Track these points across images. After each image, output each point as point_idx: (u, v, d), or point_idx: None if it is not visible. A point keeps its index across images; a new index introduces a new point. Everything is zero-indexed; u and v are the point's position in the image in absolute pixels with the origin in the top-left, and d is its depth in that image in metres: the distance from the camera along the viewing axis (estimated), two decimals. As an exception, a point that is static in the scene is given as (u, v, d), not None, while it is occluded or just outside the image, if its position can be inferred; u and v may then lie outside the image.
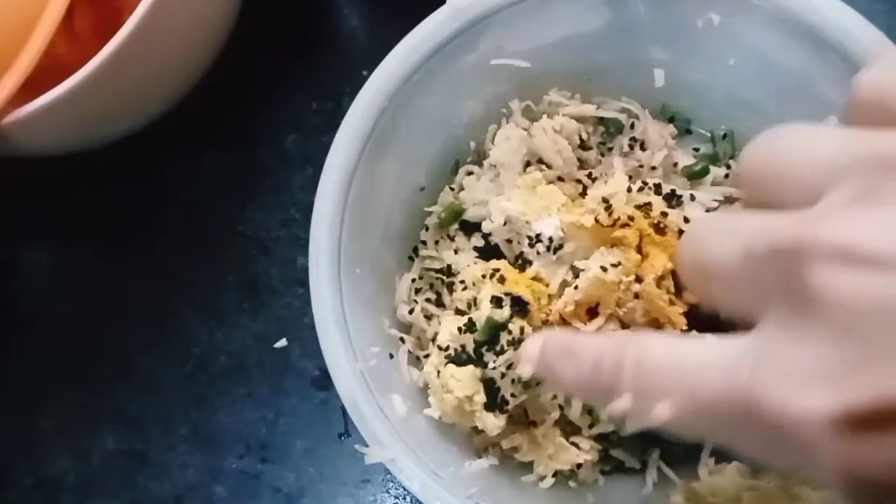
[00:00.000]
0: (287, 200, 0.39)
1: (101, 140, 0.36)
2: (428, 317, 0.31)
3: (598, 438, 0.29)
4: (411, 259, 0.32)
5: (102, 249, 0.40)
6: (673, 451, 0.30)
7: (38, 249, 0.41)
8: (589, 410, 0.29)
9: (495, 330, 0.27)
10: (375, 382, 0.25)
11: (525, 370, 0.22)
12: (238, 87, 0.40)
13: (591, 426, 0.29)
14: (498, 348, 0.27)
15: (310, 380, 0.36)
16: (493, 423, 0.27)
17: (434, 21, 0.27)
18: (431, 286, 0.31)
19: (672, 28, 0.29)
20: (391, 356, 0.28)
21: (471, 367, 0.27)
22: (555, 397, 0.29)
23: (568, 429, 0.29)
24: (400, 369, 0.29)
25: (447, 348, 0.28)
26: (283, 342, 0.36)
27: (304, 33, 0.41)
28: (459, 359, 0.28)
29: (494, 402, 0.27)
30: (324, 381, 0.36)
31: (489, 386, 0.28)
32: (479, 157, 0.33)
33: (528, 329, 0.27)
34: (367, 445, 0.24)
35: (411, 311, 0.30)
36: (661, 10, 0.28)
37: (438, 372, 0.28)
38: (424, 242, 0.32)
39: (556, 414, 0.29)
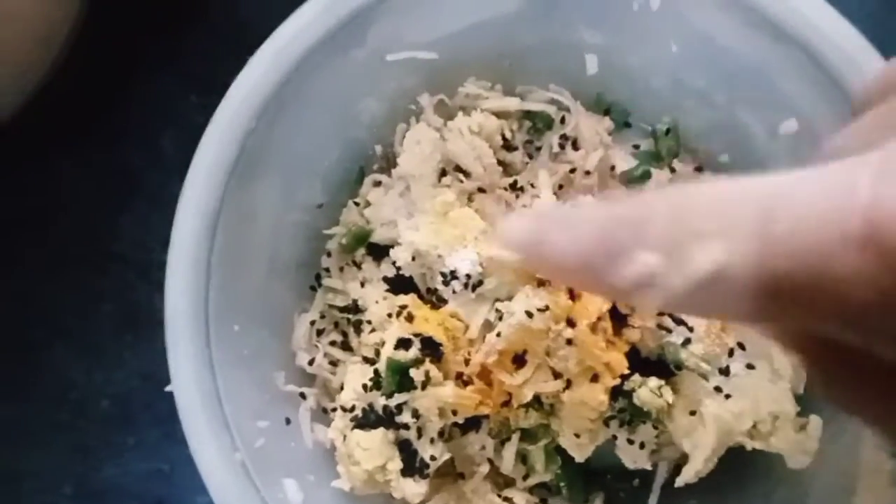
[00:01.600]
0: (167, 213, 0.33)
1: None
2: (333, 362, 0.26)
3: (535, 489, 0.26)
4: (313, 289, 0.28)
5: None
6: (619, 496, 0.26)
7: None
8: (523, 459, 0.25)
9: (400, 376, 0.23)
10: (263, 468, 0.21)
11: (505, 253, 0.15)
12: (98, 76, 0.33)
13: (525, 477, 0.25)
14: (408, 401, 0.23)
15: (207, 426, 0.31)
16: (413, 489, 0.23)
17: (303, 17, 0.21)
18: (336, 325, 0.27)
19: (604, 7, 0.24)
20: (288, 421, 0.24)
21: (381, 431, 0.23)
22: (483, 448, 0.25)
23: (500, 481, 0.26)
24: (302, 435, 0.24)
25: (352, 408, 0.24)
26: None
27: (178, 8, 0.34)
28: (368, 420, 0.23)
29: (413, 466, 0.23)
30: (223, 427, 0.31)
31: (405, 448, 0.23)
32: (388, 163, 0.28)
33: (437, 375, 0.23)
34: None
35: (311, 362, 0.26)
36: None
37: (344, 437, 0.24)
38: (328, 270, 0.27)
39: (485, 467, 0.25)
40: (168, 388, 0.31)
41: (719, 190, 0.13)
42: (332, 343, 0.26)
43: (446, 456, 0.24)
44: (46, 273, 0.33)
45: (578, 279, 0.14)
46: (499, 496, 0.25)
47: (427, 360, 0.23)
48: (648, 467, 0.25)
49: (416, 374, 0.23)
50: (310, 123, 0.25)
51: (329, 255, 0.27)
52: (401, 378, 0.23)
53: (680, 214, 0.13)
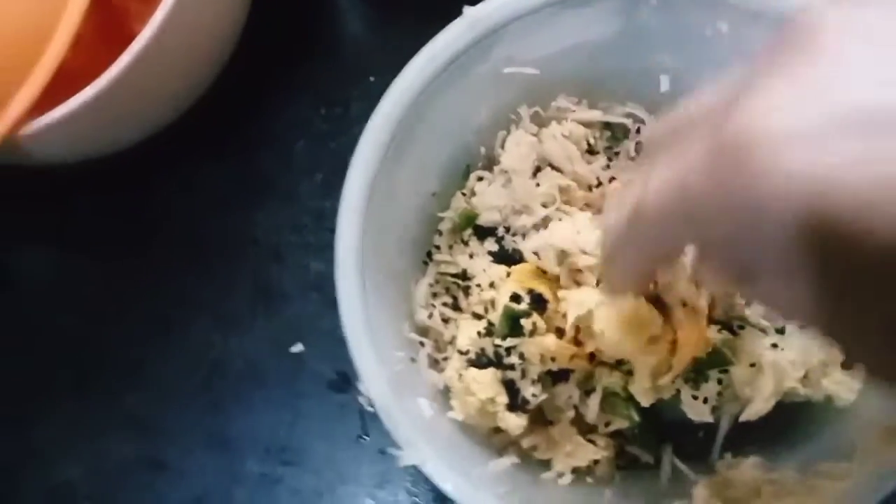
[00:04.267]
0: (297, 207, 0.39)
1: (111, 148, 0.36)
2: (445, 320, 0.31)
3: (613, 435, 0.30)
4: (425, 264, 0.33)
5: (108, 257, 0.40)
6: (686, 446, 0.31)
7: (41, 258, 0.42)
8: (603, 408, 0.30)
9: (513, 322, 0.28)
10: (402, 387, 0.26)
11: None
12: (245, 94, 0.40)
13: (606, 424, 0.30)
14: (517, 345, 0.28)
15: (327, 383, 0.36)
16: (515, 422, 0.28)
17: (452, 32, 0.28)
18: (447, 290, 0.32)
19: (680, 36, 0.29)
20: (413, 360, 0.29)
21: (491, 370, 0.28)
22: (570, 397, 0.30)
23: (584, 427, 0.30)
24: (421, 373, 0.29)
25: (467, 352, 0.29)
26: (299, 347, 0.37)
27: (309, 40, 0.41)
28: (480, 362, 0.28)
29: (515, 402, 0.28)
30: (341, 384, 0.36)
31: (510, 387, 0.28)
32: (490, 163, 0.34)
33: (542, 326, 0.28)
34: (396, 448, 0.25)
35: (430, 316, 0.31)
36: (670, 19, 0.29)
37: (460, 375, 0.29)
38: (438, 247, 0.33)
39: (571, 413, 0.30)
40: (293, 350, 0.37)
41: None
42: (445, 304, 0.31)
43: (543, 396, 0.29)
44: (194, 258, 0.39)
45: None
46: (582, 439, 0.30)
47: (534, 312, 0.28)
48: (711, 420, 0.29)
49: (525, 323, 0.28)
50: (436, 126, 0.31)
51: (440, 234, 0.33)
52: (512, 325, 0.28)
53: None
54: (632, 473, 0.30)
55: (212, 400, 0.37)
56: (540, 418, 0.31)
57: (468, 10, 0.28)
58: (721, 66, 0.30)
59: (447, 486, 0.23)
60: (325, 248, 0.38)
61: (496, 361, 0.28)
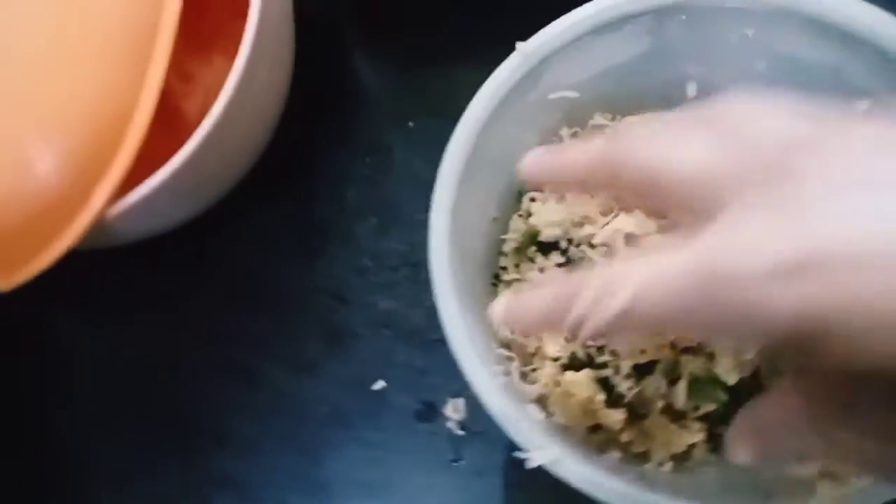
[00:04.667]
0: (356, 250, 0.41)
1: (185, 218, 0.38)
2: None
3: (703, 419, 0.32)
4: (494, 286, 0.35)
5: (179, 319, 0.41)
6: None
7: (118, 325, 0.42)
8: (692, 395, 0.31)
9: None
10: (510, 397, 0.28)
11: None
12: (294, 154, 0.43)
13: (695, 409, 0.32)
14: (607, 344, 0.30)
15: (413, 414, 0.38)
16: (615, 417, 0.30)
17: (508, 67, 0.30)
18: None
19: (706, 45, 0.32)
20: (507, 373, 0.31)
21: (586, 371, 0.30)
22: (658, 388, 0.31)
23: (674, 415, 0.32)
24: (514, 385, 0.31)
25: (558, 358, 0.31)
26: (380, 384, 0.38)
27: (344, 96, 0.44)
28: (574, 364, 0.30)
29: (611, 397, 0.30)
30: (427, 413, 0.38)
31: (605, 384, 0.30)
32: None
33: None
34: (522, 451, 0.26)
35: (512, 332, 0.33)
36: (697, 31, 0.31)
37: (557, 382, 0.30)
38: (505, 268, 0.35)
39: (660, 403, 0.32)
40: (374, 387, 0.38)
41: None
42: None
43: (637, 388, 0.30)
44: (262, 311, 0.41)
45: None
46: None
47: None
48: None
49: None
50: (494, 154, 0.33)
51: (505, 255, 0.35)
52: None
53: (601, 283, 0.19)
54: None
55: (299, 447, 0.38)
56: (632, 412, 0.32)
57: (520, 45, 0.30)
58: (746, 68, 0.34)
59: (581, 478, 0.24)
60: (389, 286, 0.40)
61: (589, 362, 0.30)
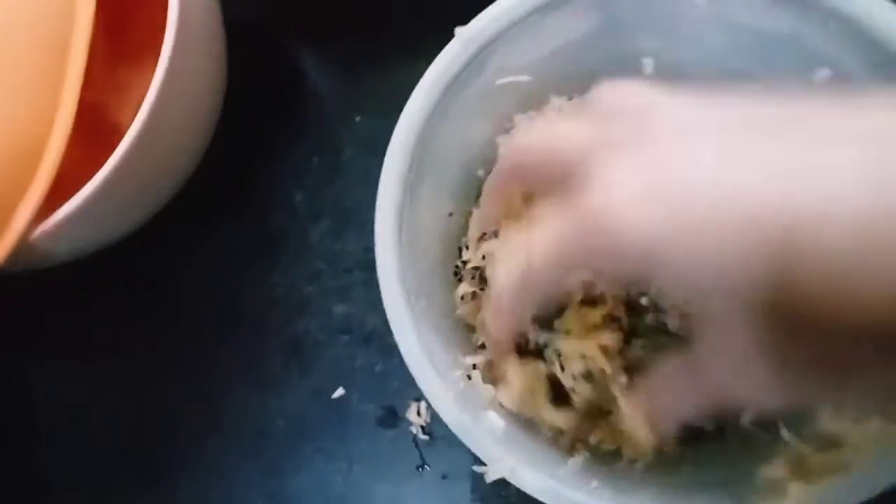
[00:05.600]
0: (309, 255, 0.39)
1: (119, 235, 0.36)
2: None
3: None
4: (457, 277, 0.33)
5: (133, 344, 0.40)
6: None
7: (67, 358, 0.41)
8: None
9: None
10: (467, 405, 0.26)
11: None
12: (236, 161, 0.41)
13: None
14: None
15: (375, 421, 0.36)
16: (559, 417, 0.28)
17: (448, 56, 0.28)
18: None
19: (659, 18, 0.30)
20: (468, 377, 0.29)
21: (532, 361, 0.28)
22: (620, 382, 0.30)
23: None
24: (478, 389, 0.29)
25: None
26: (340, 391, 0.37)
27: (286, 99, 0.42)
28: (527, 352, 0.29)
29: (559, 396, 0.28)
30: (389, 419, 0.36)
31: (552, 383, 0.29)
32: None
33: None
34: (480, 466, 0.24)
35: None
36: (650, 3, 0.30)
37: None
38: (466, 262, 0.33)
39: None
40: (335, 396, 0.37)
41: None
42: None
43: (587, 392, 0.29)
44: (219, 327, 0.39)
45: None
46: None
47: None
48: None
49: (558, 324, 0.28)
50: (443, 148, 0.31)
51: (467, 248, 0.33)
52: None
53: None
54: (699, 446, 0.30)
55: (264, 465, 0.37)
56: (598, 412, 0.31)
57: (460, 31, 0.28)
58: (703, 40, 0.32)
59: (537, 490, 0.23)
60: (345, 290, 0.38)
61: (535, 353, 0.28)
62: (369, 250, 0.38)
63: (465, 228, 0.34)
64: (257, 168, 0.41)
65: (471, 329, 0.31)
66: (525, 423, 0.29)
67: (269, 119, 0.41)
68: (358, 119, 0.40)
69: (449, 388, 0.26)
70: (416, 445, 0.35)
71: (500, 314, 0.24)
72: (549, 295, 0.22)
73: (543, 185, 0.22)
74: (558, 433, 0.30)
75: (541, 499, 0.23)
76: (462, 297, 0.32)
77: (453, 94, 0.30)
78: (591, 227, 0.19)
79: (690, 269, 0.18)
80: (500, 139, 0.33)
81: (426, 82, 0.28)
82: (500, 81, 0.31)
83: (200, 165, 0.38)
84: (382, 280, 0.26)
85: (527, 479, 0.23)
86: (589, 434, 0.30)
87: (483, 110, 0.32)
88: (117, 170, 0.30)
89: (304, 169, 0.40)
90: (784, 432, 0.28)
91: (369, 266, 0.38)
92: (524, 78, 0.32)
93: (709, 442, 0.31)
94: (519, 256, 0.22)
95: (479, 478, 0.34)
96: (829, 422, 0.25)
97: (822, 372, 0.19)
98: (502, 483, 0.26)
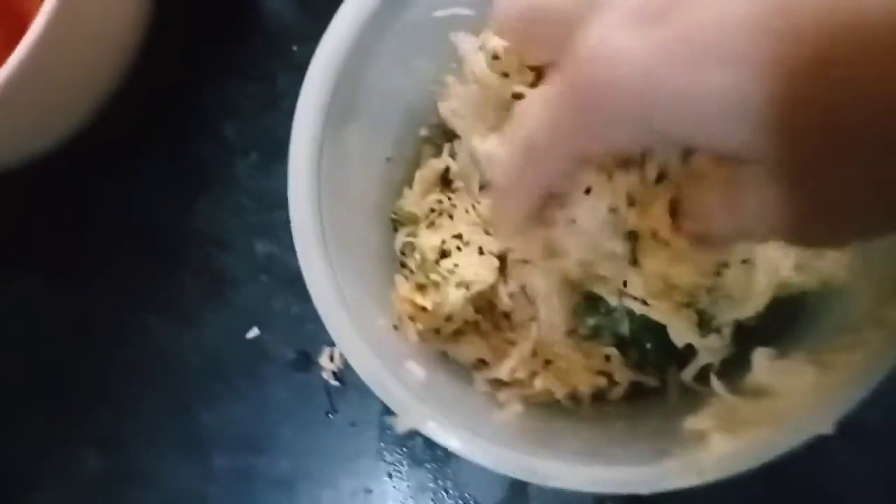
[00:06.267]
0: (235, 189, 0.37)
1: (34, 148, 0.33)
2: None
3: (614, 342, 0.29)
4: (394, 225, 0.32)
5: (51, 269, 0.38)
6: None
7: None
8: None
9: None
10: (387, 353, 0.26)
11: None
12: (165, 82, 0.38)
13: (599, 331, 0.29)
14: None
15: (288, 364, 0.35)
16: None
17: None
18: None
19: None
20: (395, 327, 0.28)
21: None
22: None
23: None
24: (407, 337, 0.28)
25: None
26: (255, 332, 0.36)
27: (224, 18, 0.39)
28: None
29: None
30: (302, 363, 0.35)
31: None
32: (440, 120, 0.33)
33: None
34: (391, 416, 0.24)
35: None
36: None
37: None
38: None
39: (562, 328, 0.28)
40: (249, 336, 0.36)
41: None
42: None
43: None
44: (139, 257, 0.37)
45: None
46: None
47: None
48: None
49: None
50: (377, 86, 0.29)
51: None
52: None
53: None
54: (640, 400, 0.30)
55: (175, 401, 0.36)
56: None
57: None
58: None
59: (452, 442, 0.23)
60: (269, 228, 0.37)
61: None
62: (297, 188, 0.37)
63: (406, 175, 0.32)
64: (186, 94, 0.38)
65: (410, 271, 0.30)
66: (456, 373, 0.29)
67: (202, 44, 0.39)
68: (295, 48, 0.38)
69: (368, 334, 0.25)
70: (328, 392, 0.35)
71: (505, 196, 0.22)
72: (557, 168, 0.20)
73: (538, 51, 0.21)
74: (498, 385, 0.29)
75: (450, 446, 0.23)
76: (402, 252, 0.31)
77: (381, 25, 0.28)
78: (583, 81, 0.18)
79: (691, 100, 0.17)
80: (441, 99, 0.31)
81: (347, 10, 0.26)
82: (438, 13, 0.29)
83: (126, 86, 0.36)
84: (294, 213, 0.25)
85: (438, 429, 0.23)
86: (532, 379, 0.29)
87: (421, 48, 0.30)
88: (23, 64, 0.27)
89: (235, 98, 0.38)
90: (716, 383, 0.27)
91: (296, 205, 0.36)
92: (465, 11, 0.30)
93: (649, 397, 0.30)
94: (518, 133, 0.20)
95: (387, 427, 0.34)
96: (762, 373, 0.25)
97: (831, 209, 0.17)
98: (410, 434, 0.25)
